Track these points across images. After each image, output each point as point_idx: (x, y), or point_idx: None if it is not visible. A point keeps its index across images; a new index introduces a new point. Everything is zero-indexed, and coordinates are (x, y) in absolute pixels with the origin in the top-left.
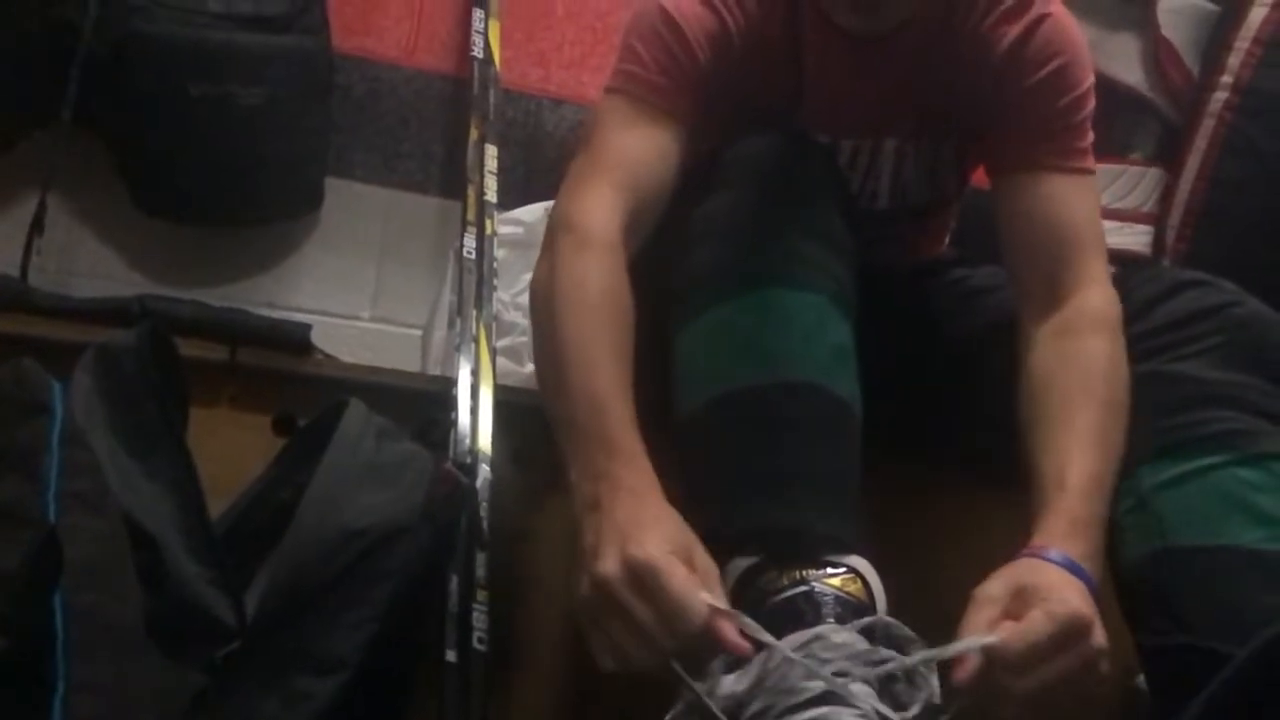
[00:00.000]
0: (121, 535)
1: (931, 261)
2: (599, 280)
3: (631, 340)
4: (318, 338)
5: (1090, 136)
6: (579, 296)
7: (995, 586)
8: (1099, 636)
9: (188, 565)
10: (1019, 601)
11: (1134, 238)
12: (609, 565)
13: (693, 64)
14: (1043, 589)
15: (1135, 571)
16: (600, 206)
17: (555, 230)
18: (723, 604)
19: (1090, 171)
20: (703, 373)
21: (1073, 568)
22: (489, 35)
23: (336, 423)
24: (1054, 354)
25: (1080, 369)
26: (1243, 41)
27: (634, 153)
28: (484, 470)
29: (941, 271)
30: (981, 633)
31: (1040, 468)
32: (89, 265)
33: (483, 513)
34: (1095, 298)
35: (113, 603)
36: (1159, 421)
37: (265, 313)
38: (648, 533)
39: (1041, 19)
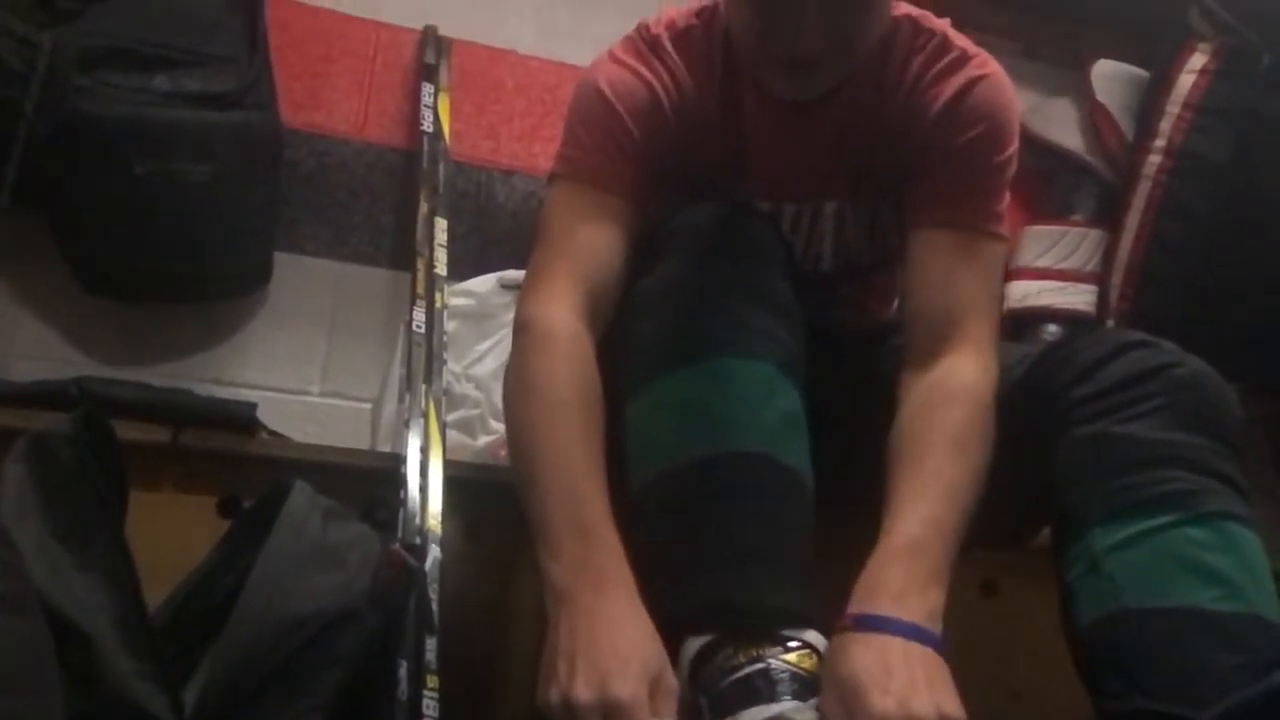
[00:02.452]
0: (47, 637)
1: (879, 326)
2: (564, 373)
3: (602, 428)
4: (267, 413)
5: (1005, 201)
6: (547, 393)
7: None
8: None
9: (121, 661)
10: (837, 702)
11: (1079, 297)
12: (584, 694)
13: (629, 139)
14: (850, 689)
15: (1090, 635)
16: (558, 301)
17: (518, 330)
18: None
19: (1001, 238)
20: (653, 445)
21: (880, 624)
22: (438, 109)
23: (281, 504)
24: (914, 419)
25: (934, 433)
26: (1173, 106)
27: (584, 240)
28: (434, 550)
29: (889, 336)
30: None
31: (883, 517)
32: (29, 346)
33: (433, 594)
34: (966, 366)
35: (35, 711)
36: (1108, 483)
37: (213, 389)
38: (629, 665)
39: (980, 78)
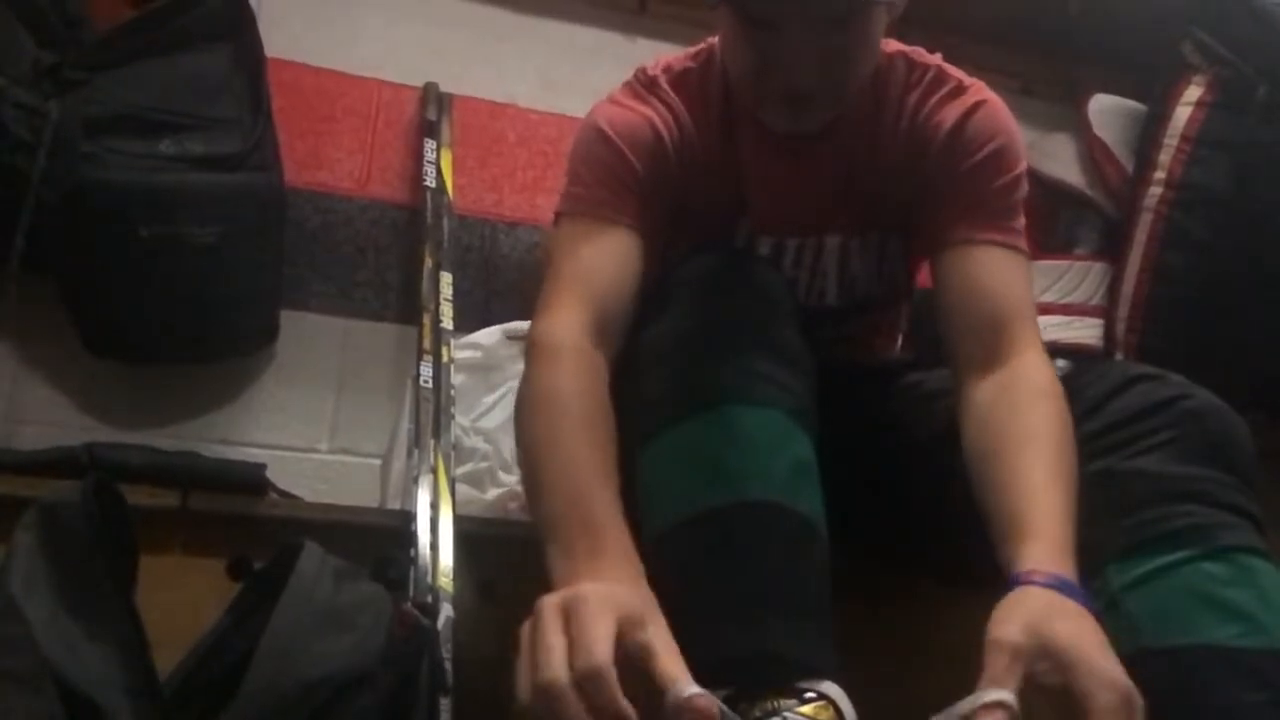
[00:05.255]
0: (58, 712)
1: (886, 364)
2: (571, 384)
3: (612, 435)
4: (276, 472)
5: (1022, 219)
6: (553, 402)
7: (1011, 630)
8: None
9: None
10: (1046, 658)
11: (1085, 331)
12: (547, 598)
13: (631, 175)
14: (1070, 649)
15: None
16: (565, 320)
17: (528, 351)
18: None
19: (1024, 251)
20: (664, 496)
21: (1073, 591)
22: (441, 164)
23: (291, 566)
24: (1003, 407)
25: (1031, 421)
26: (1171, 139)
27: (591, 264)
28: (446, 609)
29: (896, 375)
30: (1003, 684)
31: (1007, 504)
32: (38, 411)
33: (446, 654)
34: (1032, 365)
35: None
36: (1121, 520)
37: (222, 449)
38: (598, 583)
39: (979, 104)
